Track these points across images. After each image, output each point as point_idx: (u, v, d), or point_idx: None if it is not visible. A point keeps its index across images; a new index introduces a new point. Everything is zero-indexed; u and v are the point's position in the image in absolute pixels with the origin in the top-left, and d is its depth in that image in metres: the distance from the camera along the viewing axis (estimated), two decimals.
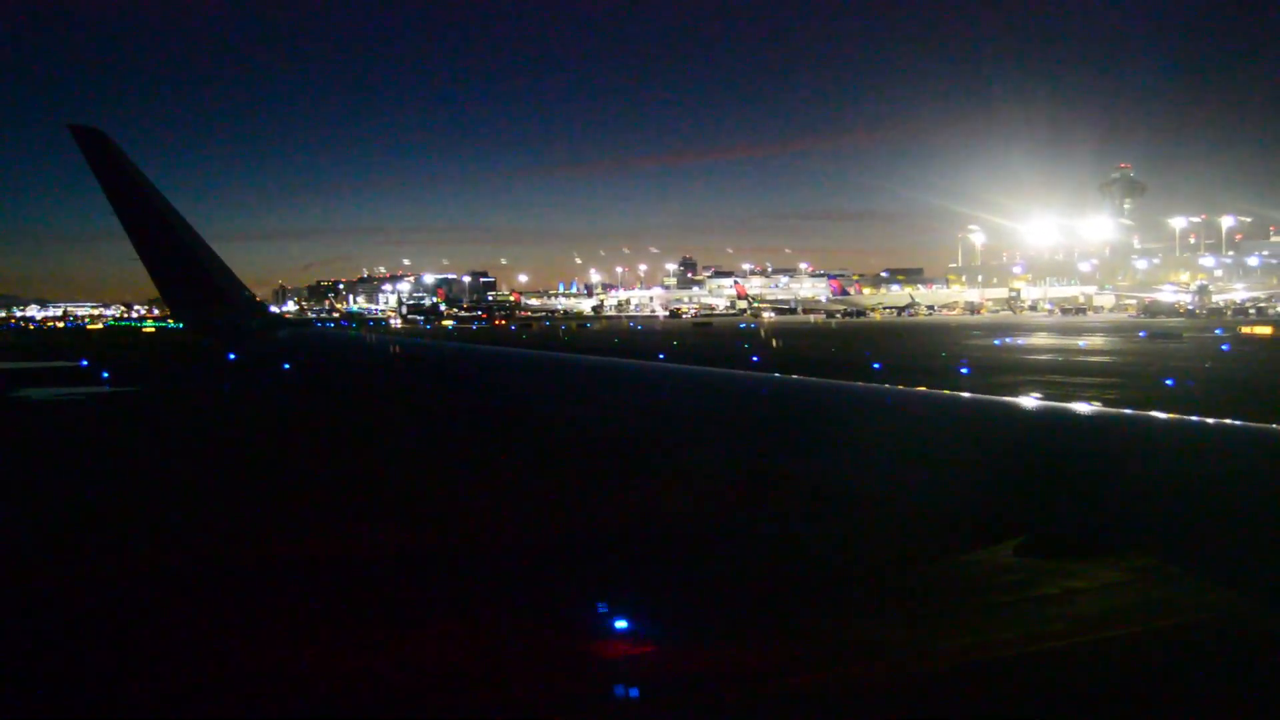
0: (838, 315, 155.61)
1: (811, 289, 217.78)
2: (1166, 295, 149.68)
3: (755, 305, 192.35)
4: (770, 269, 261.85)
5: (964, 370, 38.69)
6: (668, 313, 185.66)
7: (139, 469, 18.71)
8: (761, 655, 8.33)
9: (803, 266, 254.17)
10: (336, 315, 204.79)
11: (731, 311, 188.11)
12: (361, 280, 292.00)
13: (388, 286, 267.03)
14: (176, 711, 7.49)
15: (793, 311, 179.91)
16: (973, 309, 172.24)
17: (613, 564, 11.10)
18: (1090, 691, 7.48)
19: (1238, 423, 3.48)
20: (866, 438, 4.34)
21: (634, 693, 7.48)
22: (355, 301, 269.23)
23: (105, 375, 40.23)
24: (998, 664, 8.03)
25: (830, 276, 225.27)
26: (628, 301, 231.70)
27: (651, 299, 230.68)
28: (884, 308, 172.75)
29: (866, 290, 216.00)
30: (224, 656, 8.48)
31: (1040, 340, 68.15)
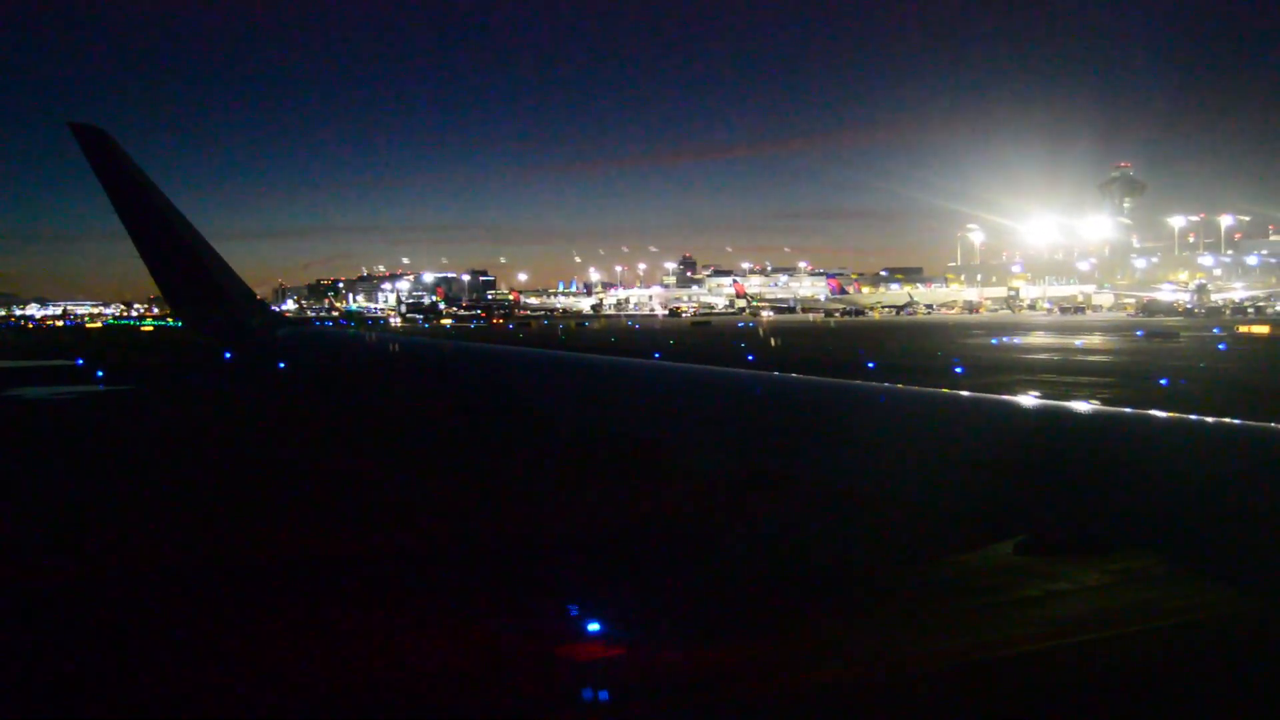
0: (836, 314, 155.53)
1: (811, 288, 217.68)
2: (1165, 294, 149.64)
3: (754, 304, 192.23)
4: (769, 268, 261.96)
5: (959, 370, 38.66)
6: (667, 312, 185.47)
7: (123, 468, 18.69)
8: (760, 655, 8.32)
9: (802, 265, 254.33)
10: (336, 314, 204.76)
11: (730, 310, 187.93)
12: (361, 279, 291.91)
13: (387, 285, 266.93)
14: (161, 711, 7.47)
15: (791, 310, 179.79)
16: (971, 308, 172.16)
17: (607, 564, 11.08)
18: (1090, 691, 7.48)
19: (1236, 422, 3.48)
20: (865, 436, 4.34)
21: (634, 693, 7.48)
22: (355, 300, 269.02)
23: (99, 374, 40.18)
24: (997, 663, 8.03)
25: (829, 275, 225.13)
26: (627, 300, 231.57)
27: (651, 298, 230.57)
28: (883, 307, 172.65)
29: (865, 289, 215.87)
30: (204, 657, 8.45)
31: (1037, 339, 68.13)
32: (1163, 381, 33.75)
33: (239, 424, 24.82)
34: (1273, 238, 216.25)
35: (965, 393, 4.71)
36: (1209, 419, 3.59)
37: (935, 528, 4.34)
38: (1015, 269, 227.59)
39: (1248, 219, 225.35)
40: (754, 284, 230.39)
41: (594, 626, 8.74)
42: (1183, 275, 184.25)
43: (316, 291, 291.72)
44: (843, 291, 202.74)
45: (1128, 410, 3.97)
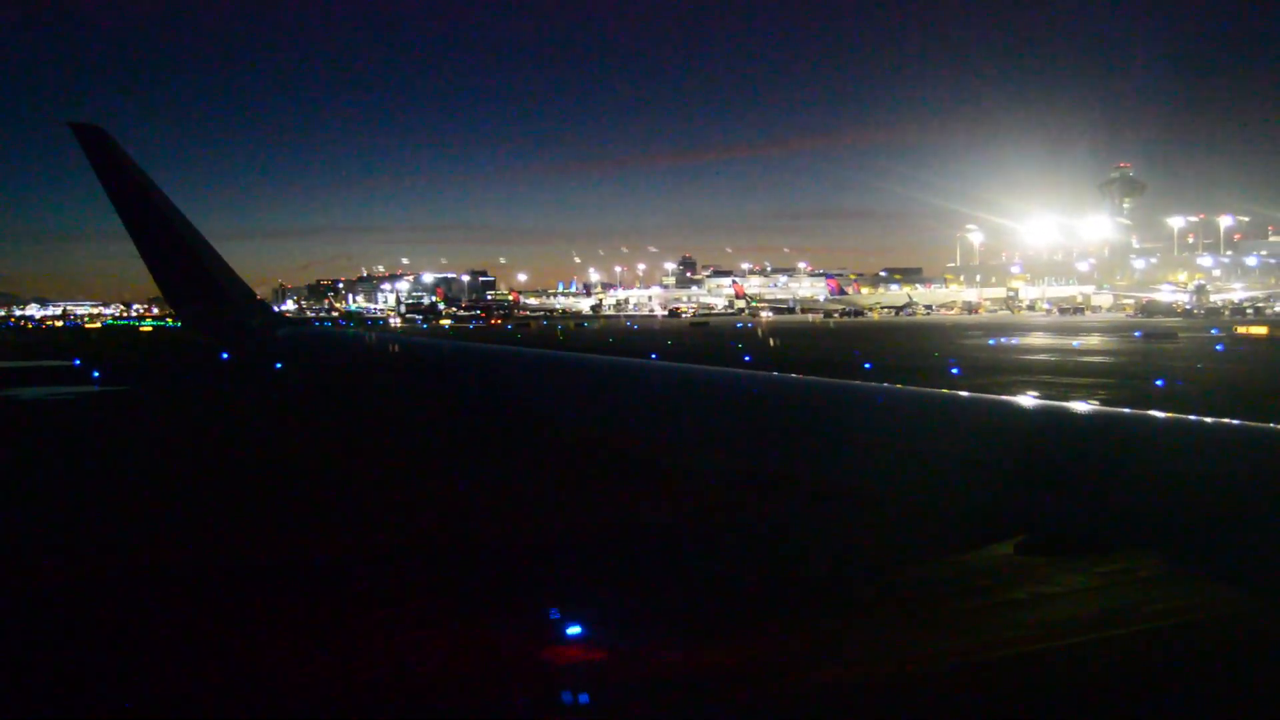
0: (835, 315, 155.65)
1: (810, 288, 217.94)
2: (1164, 295, 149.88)
3: (753, 305, 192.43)
4: (769, 268, 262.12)
5: (954, 371, 38.64)
6: (666, 312, 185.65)
7: (113, 468, 18.63)
8: (760, 655, 8.29)
9: (801, 266, 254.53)
10: (335, 314, 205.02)
11: (730, 311, 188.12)
12: (361, 279, 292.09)
13: (387, 285, 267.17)
14: (147, 711, 7.41)
15: (791, 311, 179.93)
16: (970, 309, 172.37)
17: (604, 564, 11.04)
18: (1090, 691, 7.45)
19: (1236, 422, 3.45)
20: (865, 437, 4.31)
21: (633, 693, 7.45)
22: (354, 301, 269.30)
23: (95, 374, 40.13)
24: (998, 663, 8.00)
25: (828, 276, 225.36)
26: (626, 301, 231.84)
27: (650, 298, 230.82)
28: (882, 307, 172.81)
29: (865, 290, 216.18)
30: (186, 658, 8.40)
31: (1035, 340, 68.16)
32: (1159, 382, 33.75)
33: (233, 424, 24.77)
34: (1272, 238, 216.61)
35: (965, 393, 4.66)
36: (1208, 419, 3.57)
37: (936, 528, 4.30)
38: (1014, 270, 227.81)
39: (1247, 220, 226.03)
40: (753, 284, 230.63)
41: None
42: (1182, 276, 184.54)
43: (316, 292, 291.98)
44: (841, 292, 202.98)
45: (1128, 411, 3.95)
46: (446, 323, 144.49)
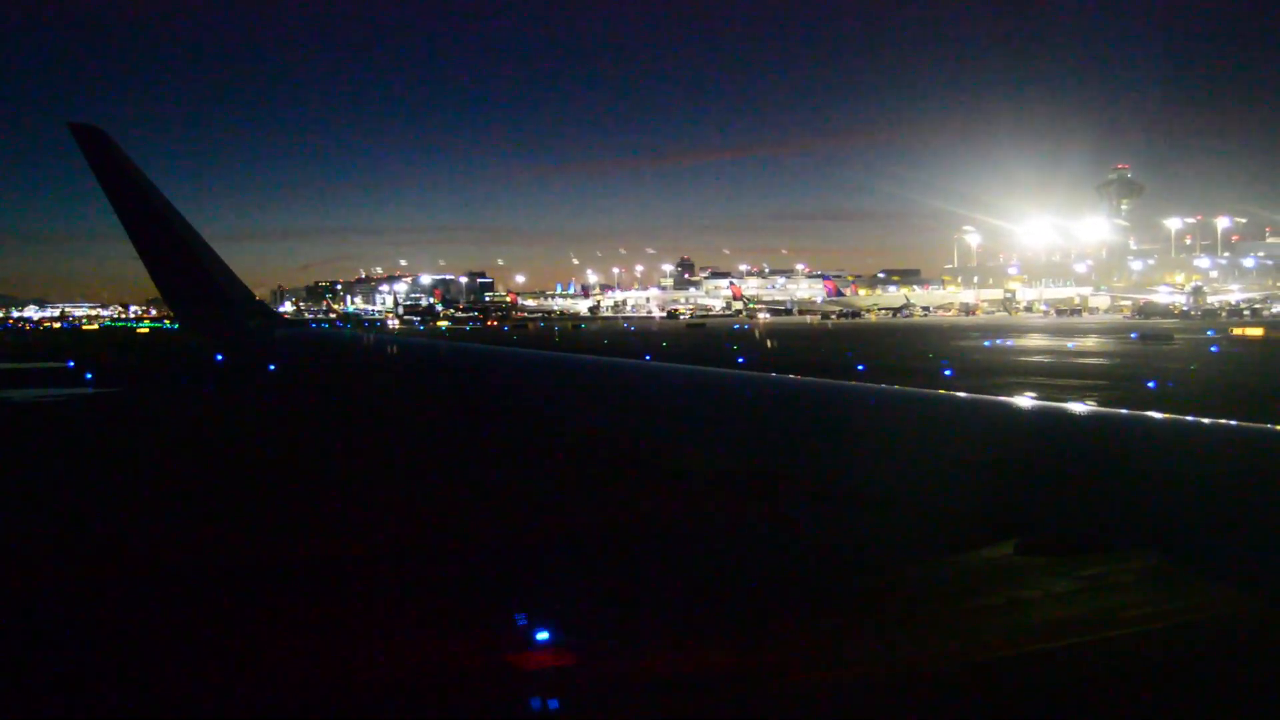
0: (833, 316, 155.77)
1: (808, 290, 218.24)
2: (1161, 296, 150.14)
3: (751, 306, 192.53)
4: (767, 270, 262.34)
5: (947, 373, 38.66)
6: (664, 314, 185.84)
7: (98, 470, 18.62)
8: (758, 656, 8.30)
9: (799, 267, 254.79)
10: (333, 316, 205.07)
11: (727, 313, 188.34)
12: (359, 281, 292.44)
13: (385, 287, 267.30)
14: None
15: (788, 312, 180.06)
16: (968, 310, 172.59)
17: (601, 565, 11.02)
18: (1091, 691, 7.47)
19: (1235, 423, 3.47)
20: (864, 437, 4.32)
21: (631, 694, 7.47)
22: (353, 302, 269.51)
23: (89, 376, 40.13)
24: (997, 664, 8.02)
25: (825, 277, 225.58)
26: (624, 302, 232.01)
27: (648, 300, 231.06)
28: (879, 309, 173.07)
29: (862, 291, 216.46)
30: (167, 662, 8.38)
31: (1031, 342, 68.19)
32: (1151, 384, 33.79)
33: (223, 425, 24.75)
34: (1269, 240, 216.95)
35: (965, 394, 4.69)
36: (1205, 420, 3.60)
37: (936, 528, 4.32)
38: (1012, 271, 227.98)
39: (1244, 221, 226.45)
40: (751, 286, 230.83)
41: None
42: (1179, 277, 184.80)
43: (314, 293, 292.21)
44: (839, 293, 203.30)
45: (1128, 412, 3.98)
46: (444, 324, 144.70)
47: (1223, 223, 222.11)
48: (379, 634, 8.89)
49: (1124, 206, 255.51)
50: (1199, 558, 3.03)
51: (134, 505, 14.96)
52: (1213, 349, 56.26)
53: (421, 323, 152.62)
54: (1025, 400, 4.68)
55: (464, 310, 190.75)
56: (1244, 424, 3.43)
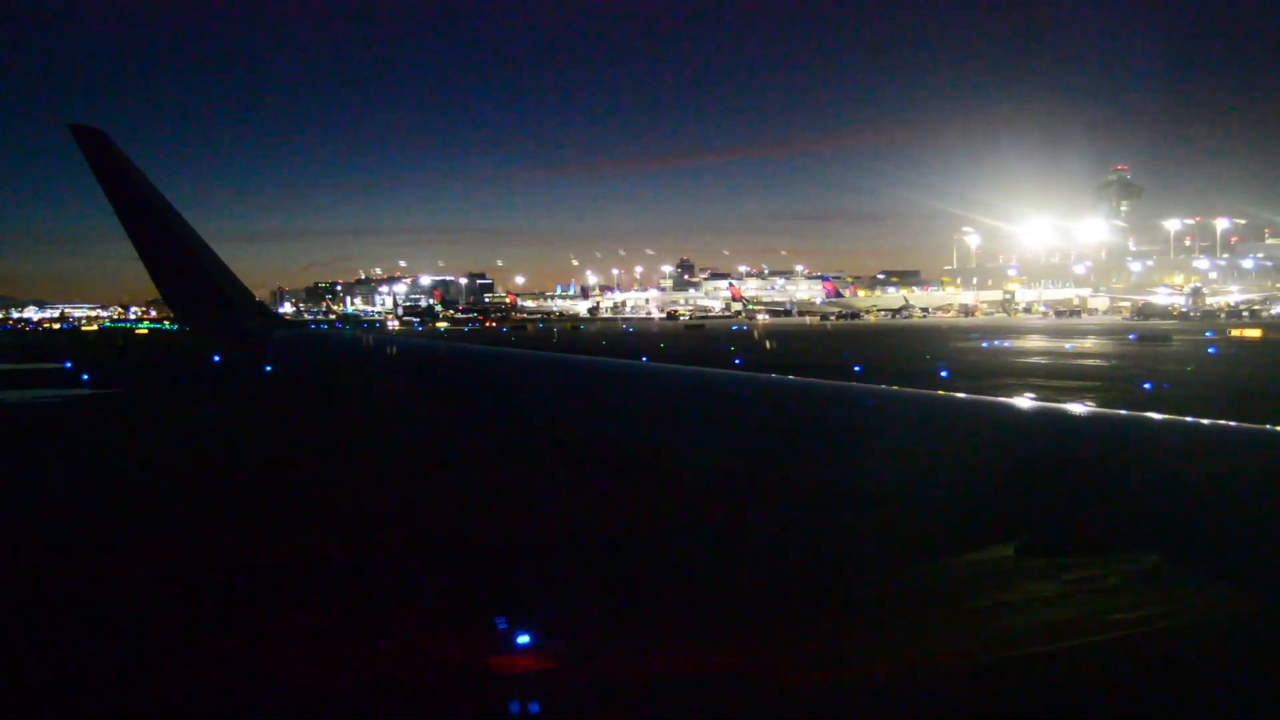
0: (831, 317, 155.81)
1: (808, 291, 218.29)
2: (1160, 298, 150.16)
3: (750, 307, 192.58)
4: (767, 271, 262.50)
5: (943, 374, 38.68)
6: (664, 315, 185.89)
7: (91, 472, 18.63)
8: (757, 657, 8.32)
9: (799, 269, 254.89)
10: (333, 317, 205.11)
11: (726, 314, 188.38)
12: (359, 282, 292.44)
13: (384, 288, 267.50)
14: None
15: (788, 313, 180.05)
16: (967, 311, 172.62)
17: (597, 567, 11.04)
18: (1090, 692, 7.49)
19: (1234, 424, 3.48)
20: (863, 438, 4.29)
21: (629, 695, 7.49)
22: (352, 303, 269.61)
23: (85, 377, 40.13)
24: (998, 665, 8.05)
25: (824, 279, 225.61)
26: (624, 303, 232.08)
27: (648, 301, 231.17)
28: (878, 310, 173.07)
29: (861, 292, 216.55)
30: (147, 668, 8.40)
31: (1029, 343, 68.18)
32: (1147, 386, 33.81)
33: (218, 426, 24.75)
34: (1269, 241, 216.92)
35: (966, 395, 4.69)
36: (1206, 421, 3.58)
37: (937, 530, 4.32)
38: (1011, 272, 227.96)
39: (1243, 222, 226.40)
40: (751, 287, 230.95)
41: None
42: (1178, 279, 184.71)
43: (314, 294, 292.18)
44: (838, 295, 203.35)
45: (1130, 413, 3.97)
46: (443, 325, 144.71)
47: (1222, 224, 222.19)
48: (373, 636, 8.92)
49: (1123, 208, 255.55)
50: (1200, 559, 3.03)
51: (123, 507, 14.98)
52: (1210, 350, 56.25)
53: (420, 324, 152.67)
54: (1026, 401, 4.69)
55: (463, 311, 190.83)
56: (1245, 425, 3.43)
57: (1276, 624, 3.05)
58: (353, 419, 20.81)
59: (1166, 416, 3.77)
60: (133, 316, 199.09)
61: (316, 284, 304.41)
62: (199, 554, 12.00)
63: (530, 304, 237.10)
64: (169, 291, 10.18)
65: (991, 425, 4.09)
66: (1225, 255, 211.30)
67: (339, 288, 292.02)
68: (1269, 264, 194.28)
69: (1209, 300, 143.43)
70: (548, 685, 7.78)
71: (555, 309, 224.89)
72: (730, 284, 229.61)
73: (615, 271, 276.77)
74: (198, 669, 8.23)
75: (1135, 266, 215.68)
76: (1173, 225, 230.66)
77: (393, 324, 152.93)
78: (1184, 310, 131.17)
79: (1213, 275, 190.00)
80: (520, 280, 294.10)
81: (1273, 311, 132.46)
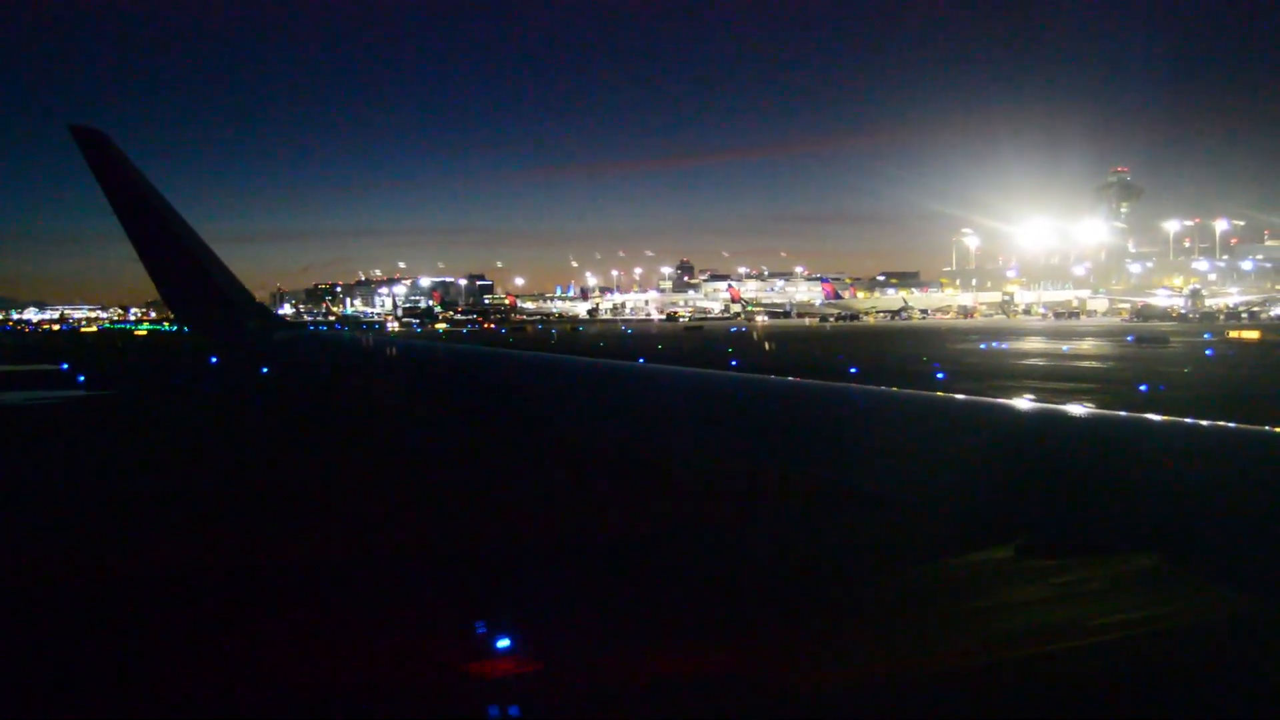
0: (830, 319, 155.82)
1: (806, 292, 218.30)
2: (1159, 299, 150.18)
3: (749, 309, 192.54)
4: (766, 272, 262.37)
5: (939, 375, 38.69)
6: (663, 316, 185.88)
7: (83, 473, 18.63)
8: (757, 659, 8.32)
9: (798, 270, 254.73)
10: (332, 318, 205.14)
11: (725, 315, 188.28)
12: (358, 283, 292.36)
13: (384, 289, 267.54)
14: None
15: (786, 315, 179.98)
16: (966, 313, 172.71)
17: (593, 569, 11.02)
18: (1092, 693, 7.53)
19: (1232, 425, 3.49)
20: (863, 439, 4.31)
21: (629, 696, 7.50)
22: (352, 304, 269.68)
23: (81, 379, 40.14)
24: (999, 666, 8.06)
25: (823, 280, 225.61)
26: (623, 305, 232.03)
27: (647, 302, 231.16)
28: (877, 311, 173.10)
29: (861, 294, 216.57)
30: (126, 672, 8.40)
31: (1026, 345, 68.16)
32: (1143, 388, 33.81)
33: (212, 428, 24.75)
34: (1268, 243, 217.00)
35: (964, 396, 4.71)
36: (1205, 422, 3.60)
37: (937, 531, 4.34)
38: (1010, 274, 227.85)
39: (1243, 224, 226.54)
40: (751, 289, 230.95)
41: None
42: (1177, 280, 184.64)
43: (314, 295, 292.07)
44: (837, 296, 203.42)
45: (1131, 414, 3.98)
46: (441, 326, 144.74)
47: (1221, 226, 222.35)
48: (368, 639, 8.91)
49: (1123, 209, 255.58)
50: (1201, 560, 3.09)
51: (111, 508, 14.98)
52: (1208, 352, 56.24)
53: (419, 325, 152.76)
54: (1025, 402, 4.69)
55: (462, 313, 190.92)
56: (1243, 426, 3.44)
57: (1277, 624, 3.07)
58: (346, 421, 20.79)
59: (1165, 418, 3.79)
60: (133, 318, 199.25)
61: (316, 285, 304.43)
62: (188, 556, 12.00)
63: (530, 305, 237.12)
64: (169, 293, 10.19)
65: (991, 426, 4.13)
66: (1224, 257, 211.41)
67: (339, 289, 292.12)
68: (1268, 266, 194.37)
69: (1208, 302, 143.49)
70: (546, 686, 7.80)
71: (555, 310, 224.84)
72: (730, 285, 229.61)
73: (615, 273, 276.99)
74: (189, 672, 8.24)
75: (1134, 268, 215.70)
76: (1172, 227, 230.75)
77: (392, 325, 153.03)
78: (1183, 312, 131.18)
79: (1212, 277, 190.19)
80: (520, 281, 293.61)
81: (1272, 313, 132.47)
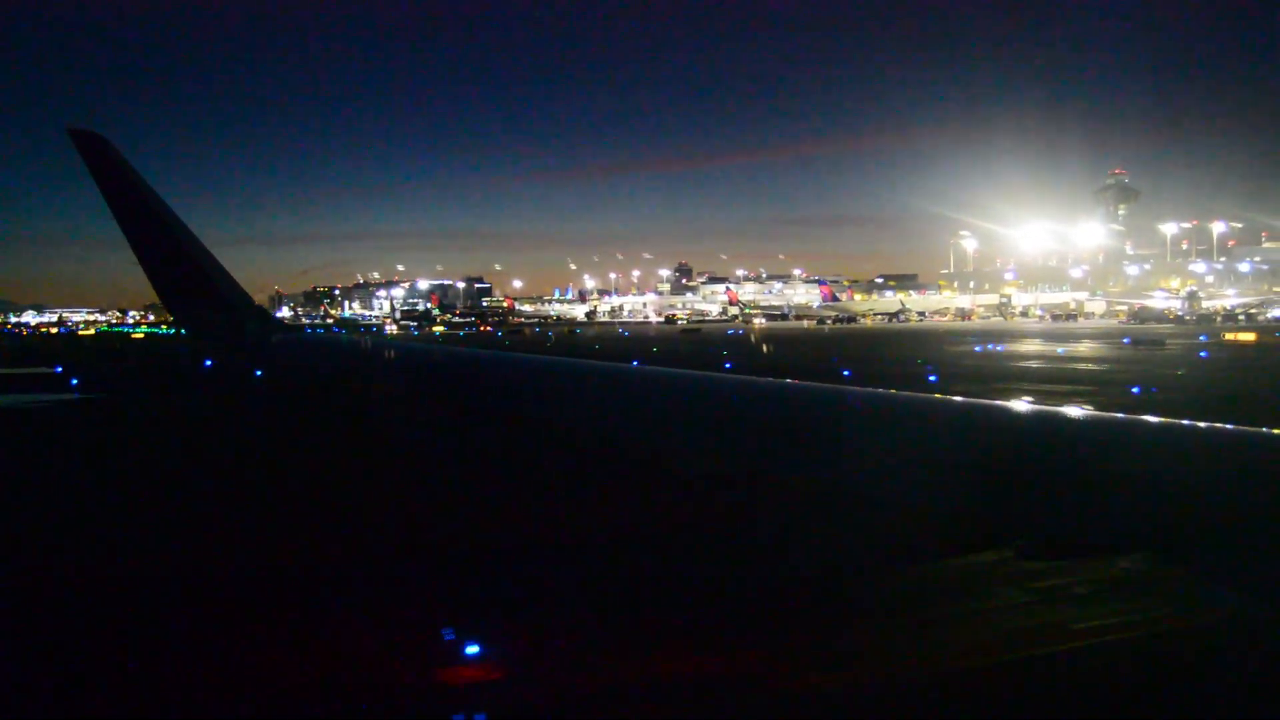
0: (828, 321, 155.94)
1: (805, 295, 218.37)
2: (1157, 301, 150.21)
3: (747, 311, 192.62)
4: (764, 275, 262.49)
5: (931, 378, 38.69)
6: (661, 319, 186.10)
7: (73, 476, 18.58)
8: (757, 660, 8.29)
9: (796, 273, 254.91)
10: (330, 321, 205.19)
11: (724, 318, 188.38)
12: (357, 286, 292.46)
13: (382, 292, 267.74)
14: None
15: (784, 317, 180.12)
16: (964, 315, 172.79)
17: (591, 570, 10.98)
18: (1090, 693, 7.51)
19: (1230, 426, 3.49)
20: (863, 441, 4.29)
21: (628, 698, 7.48)
22: (350, 307, 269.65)
23: (74, 382, 40.09)
24: (999, 667, 8.04)
25: (821, 283, 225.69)
26: (621, 308, 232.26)
27: (645, 305, 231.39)
28: (874, 314, 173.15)
29: (858, 296, 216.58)
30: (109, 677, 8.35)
31: (1022, 347, 68.20)
32: (1135, 390, 33.83)
33: (205, 432, 24.69)
34: (1265, 245, 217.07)
35: (962, 398, 4.69)
36: (1202, 424, 3.61)
37: (937, 533, 4.31)
38: (1008, 276, 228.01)
39: (1240, 226, 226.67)
40: (749, 291, 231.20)
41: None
42: (1175, 282, 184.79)
43: (313, 298, 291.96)
44: (835, 298, 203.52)
45: (1130, 416, 3.98)
46: (439, 329, 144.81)
47: (1219, 228, 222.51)
48: (361, 640, 8.87)
49: (1121, 211, 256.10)
50: (1200, 561, 3.09)
51: (101, 511, 14.92)
52: (1203, 354, 56.32)
53: (417, 328, 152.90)
54: (1023, 404, 4.68)
55: (460, 315, 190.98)
56: (1241, 428, 3.44)
57: (1273, 625, 3.05)
58: (340, 423, 20.75)
59: (1163, 419, 3.77)
60: (131, 320, 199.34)
61: (314, 288, 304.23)
62: (179, 559, 11.95)
63: (527, 308, 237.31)
64: (168, 296, 10.20)
65: (987, 428, 4.12)
66: (1222, 259, 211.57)
67: (337, 292, 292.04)
68: (1265, 268, 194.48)
69: (1206, 304, 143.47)
70: (546, 686, 7.76)
71: (552, 313, 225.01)
72: (728, 288, 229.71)
73: (613, 276, 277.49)
74: (184, 674, 8.20)
75: (1132, 270, 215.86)
76: (1170, 229, 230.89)
77: (390, 328, 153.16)
78: (1180, 314, 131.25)
79: (1209, 279, 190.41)
80: (518, 284, 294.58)
81: (1269, 315, 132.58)
